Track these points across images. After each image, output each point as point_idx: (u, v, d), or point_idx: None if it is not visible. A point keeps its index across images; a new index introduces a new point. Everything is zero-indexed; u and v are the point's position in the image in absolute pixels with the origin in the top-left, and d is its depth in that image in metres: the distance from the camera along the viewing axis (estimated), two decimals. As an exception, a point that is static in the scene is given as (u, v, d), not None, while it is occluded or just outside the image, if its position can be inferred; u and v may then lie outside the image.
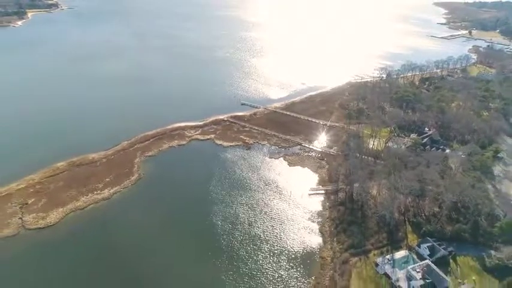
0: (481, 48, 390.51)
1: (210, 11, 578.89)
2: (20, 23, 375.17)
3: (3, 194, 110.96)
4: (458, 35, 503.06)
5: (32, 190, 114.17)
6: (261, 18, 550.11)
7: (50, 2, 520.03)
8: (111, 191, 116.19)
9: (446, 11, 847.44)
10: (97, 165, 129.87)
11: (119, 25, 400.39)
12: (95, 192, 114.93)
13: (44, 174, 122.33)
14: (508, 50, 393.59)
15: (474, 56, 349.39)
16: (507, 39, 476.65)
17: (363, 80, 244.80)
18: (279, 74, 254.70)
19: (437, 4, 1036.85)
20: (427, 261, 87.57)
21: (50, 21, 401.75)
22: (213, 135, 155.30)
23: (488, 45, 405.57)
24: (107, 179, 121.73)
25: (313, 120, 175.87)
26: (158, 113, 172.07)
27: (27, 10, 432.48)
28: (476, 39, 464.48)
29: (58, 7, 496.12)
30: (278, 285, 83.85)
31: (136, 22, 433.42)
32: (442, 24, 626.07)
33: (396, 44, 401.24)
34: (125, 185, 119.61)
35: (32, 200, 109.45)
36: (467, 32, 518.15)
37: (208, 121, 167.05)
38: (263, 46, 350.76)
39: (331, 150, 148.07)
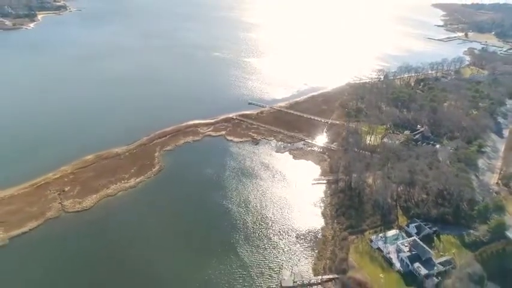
0: (475, 50, 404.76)
1: (209, 12, 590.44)
2: (32, 25, 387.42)
3: (42, 183, 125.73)
4: (455, 37, 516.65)
5: (66, 179, 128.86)
6: (260, 19, 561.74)
7: (58, 4, 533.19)
8: (137, 180, 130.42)
9: (444, 13, 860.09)
10: (121, 158, 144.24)
11: (124, 26, 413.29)
12: (123, 181, 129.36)
13: (75, 165, 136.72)
14: (501, 52, 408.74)
15: (469, 58, 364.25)
16: (501, 41, 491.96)
17: (361, 81, 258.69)
18: (282, 74, 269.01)
19: (435, 6, 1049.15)
20: (413, 237, 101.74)
21: (60, 23, 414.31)
22: (224, 132, 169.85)
23: (482, 48, 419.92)
24: (131, 170, 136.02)
25: (316, 118, 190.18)
26: (171, 111, 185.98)
27: (37, 12, 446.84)
28: (472, 42, 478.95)
29: (66, 9, 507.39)
30: (287, 256, 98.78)
31: (140, 23, 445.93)
32: (439, 26, 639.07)
33: (394, 46, 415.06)
34: (148, 176, 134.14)
35: (68, 187, 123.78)
36: (463, 34, 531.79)
37: (219, 119, 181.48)
38: (264, 47, 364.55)
39: (332, 145, 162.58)
